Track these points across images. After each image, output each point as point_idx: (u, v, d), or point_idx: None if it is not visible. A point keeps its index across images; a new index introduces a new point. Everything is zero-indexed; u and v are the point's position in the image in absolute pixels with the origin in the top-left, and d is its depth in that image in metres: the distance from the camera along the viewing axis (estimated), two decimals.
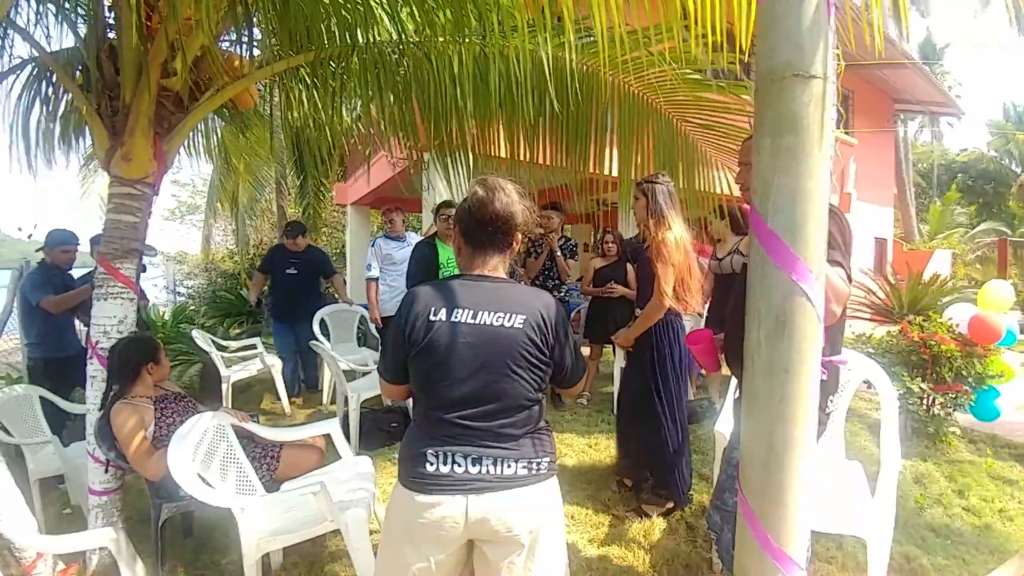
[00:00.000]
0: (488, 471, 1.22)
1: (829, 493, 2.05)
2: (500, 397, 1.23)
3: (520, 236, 1.34)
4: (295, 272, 4.63)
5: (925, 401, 3.61)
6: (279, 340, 4.79)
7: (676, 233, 2.39)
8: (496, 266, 1.32)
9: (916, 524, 2.51)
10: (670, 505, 2.52)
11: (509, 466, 1.23)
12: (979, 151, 23.78)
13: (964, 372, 3.47)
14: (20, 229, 4.56)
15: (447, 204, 3.66)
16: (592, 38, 2.45)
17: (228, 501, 1.79)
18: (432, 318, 1.23)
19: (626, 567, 2.17)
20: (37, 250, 4.07)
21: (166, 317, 7.03)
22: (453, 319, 1.22)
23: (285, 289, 4.68)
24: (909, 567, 2.17)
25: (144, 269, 3.83)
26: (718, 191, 3.27)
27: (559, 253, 4.43)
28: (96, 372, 2.23)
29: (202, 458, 1.93)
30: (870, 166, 10.40)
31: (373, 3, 2.50)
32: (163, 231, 16.86)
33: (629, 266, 4.47)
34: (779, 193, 1.01)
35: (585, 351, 4.97)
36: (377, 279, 4.39)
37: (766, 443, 1.08)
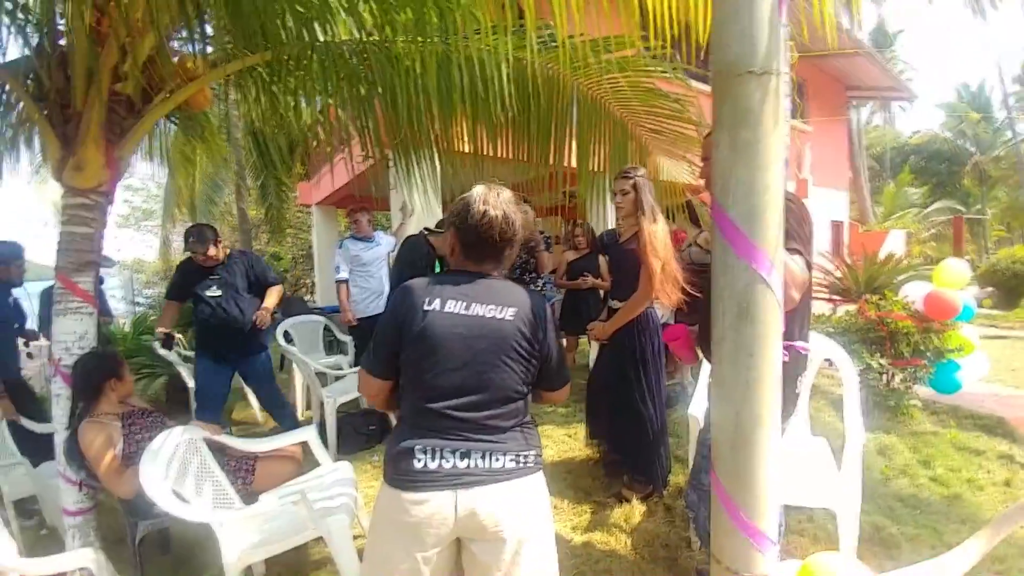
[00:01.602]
0: (476, 465, 1.23)
1: (797, 469, 2.14)
2: (489, 388, 1.25)
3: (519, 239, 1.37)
4: (219, 293, 3.18)
5: (885, 376, 3.77)
6: (210, 391, 3.34)
7: (662, 226, 2.43)
8: (491, 269, 1.35)
9: (883, 495, 2.61)
10: (649, 489, 2.58)
11: (497, 459, 1.24)
12: (932, 132, 24.79)
13: (922, 347, 3.60)
14: None
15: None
16: (553, 43, 2.50)
17: (206, 516, 1.75)
18: (426, 308, 1.25)
19: (608, 551, 2.22)
20: None
21: (126, 329, 6.76)
22: (447, 309, 1.25)
23: (213, 321, 3.16)
24: (879, 536, 2.27)
25: (101, 281, 3.71)
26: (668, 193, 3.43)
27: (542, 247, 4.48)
28: (60, 390, 2.16)
29: (175, 474, 1.89)
30: (824, 152, 10.77)
31: None
32: (117, 239, 16.19)
33: (601, 258, 4.54)
34: (738, 186, 1.05)
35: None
36: (347, 281, 4.33)
37: (734, 424, 1.13)
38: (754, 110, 1.06)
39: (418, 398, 1.27)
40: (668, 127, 3.08)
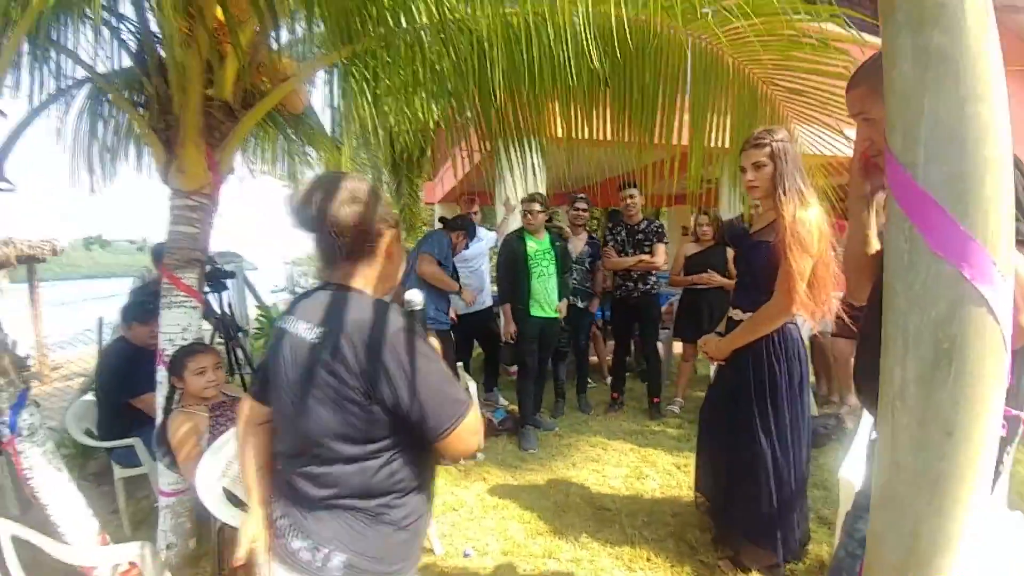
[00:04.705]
0: (288, 543, 0.98)
1: (984, 553, 1.45)
2: (297, 432, 0.99)
3: (380, 241, 1.02)
4: None
5: None
6: None
7: (817, 213, 1.77)
8: (349, 274, 1.02)
9: None
10: (773, 560, 1.93)
11: (295, 539, 0.97)
12: None
13: None
14: (132, 242, 4.97)
15: (531, 198, 3.52)
16: None
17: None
18: (280, 324, 1.10)
19: None
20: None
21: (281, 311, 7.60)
22: (284, 325, 1.07)
23: None
24: None
25: (233, 275, 4.05)
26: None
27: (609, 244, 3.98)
28: (163, 378, 2.30)
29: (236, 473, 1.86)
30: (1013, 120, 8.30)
31: None
32: (288, 237, 19.64)
33: (729, 252, 3.87)
34: (935, 127, 0.58)
35: (677, 349, 4.42)
36: None
37: (906, 542, 0.67)
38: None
39: None
40: (812, 85, 2.34)
